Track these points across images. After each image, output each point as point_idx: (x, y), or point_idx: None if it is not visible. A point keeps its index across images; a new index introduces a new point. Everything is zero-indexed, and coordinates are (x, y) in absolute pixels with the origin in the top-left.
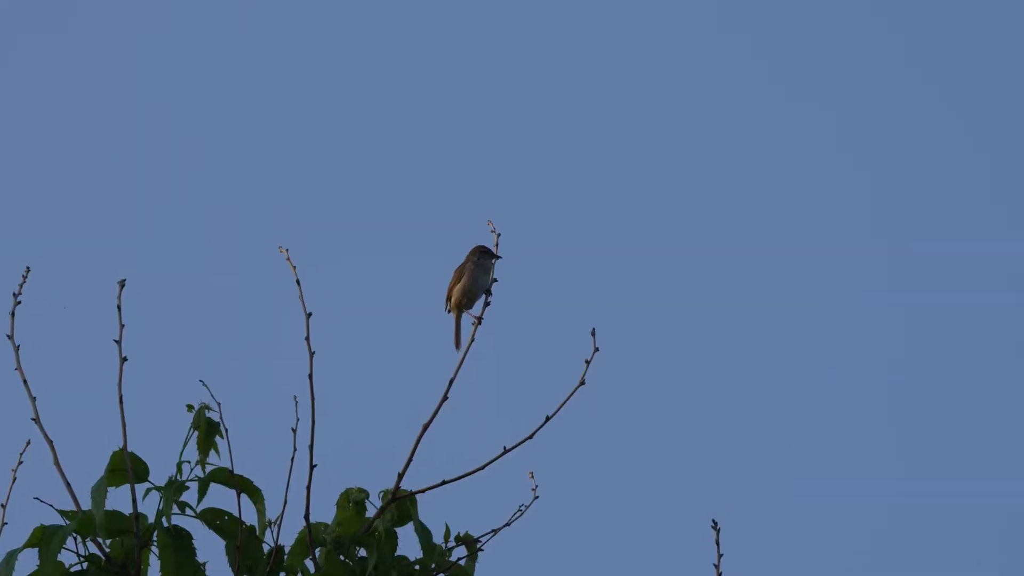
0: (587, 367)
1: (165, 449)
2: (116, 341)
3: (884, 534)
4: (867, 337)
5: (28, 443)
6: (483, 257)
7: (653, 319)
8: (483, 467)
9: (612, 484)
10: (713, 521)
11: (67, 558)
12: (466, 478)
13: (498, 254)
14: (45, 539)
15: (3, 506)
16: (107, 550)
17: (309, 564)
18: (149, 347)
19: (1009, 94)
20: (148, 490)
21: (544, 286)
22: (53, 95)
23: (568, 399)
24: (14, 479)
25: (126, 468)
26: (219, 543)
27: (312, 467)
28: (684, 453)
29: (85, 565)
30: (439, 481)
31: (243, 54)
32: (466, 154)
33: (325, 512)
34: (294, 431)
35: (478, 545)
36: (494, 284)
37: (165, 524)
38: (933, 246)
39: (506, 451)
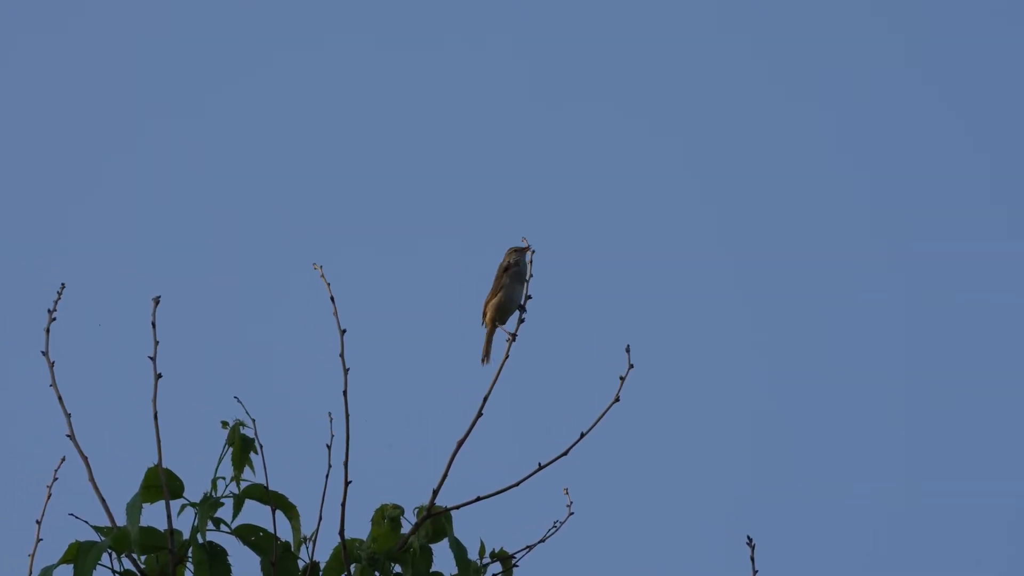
0: (622, 384)
1: (200, 465)
2: (151, 358)
3: (886, 532)
4: (868, 336)
5: (63, 459)
6: (516, 264)
7: (655, 320)
8: (518, 483)
9: (647, 499)
10: (748, 538)
11: (102, 574)
12: (501, 494)
13: (531, 272)
14: (80, 555)
15: (38, 522)
16: (142, 566)
17: None
18: (184, 364)
19: (1009, 94)
20: (183, 506)
21: (570, 297)
22: (53, 95)
23: (603, 415)
24: (49, 495)
25: (161, 484)
26: (254, 559)
27: (347, 483)
28: (719, 471)
29: None
30: (474, 497)
31: (243, 54)
32: (467, 154)
33: (360, 528)
34: (329, 447)
35: (513, 561)
36: (528, 300)
37: (200, 540)
38: (933, 246)
39: (541, 467)
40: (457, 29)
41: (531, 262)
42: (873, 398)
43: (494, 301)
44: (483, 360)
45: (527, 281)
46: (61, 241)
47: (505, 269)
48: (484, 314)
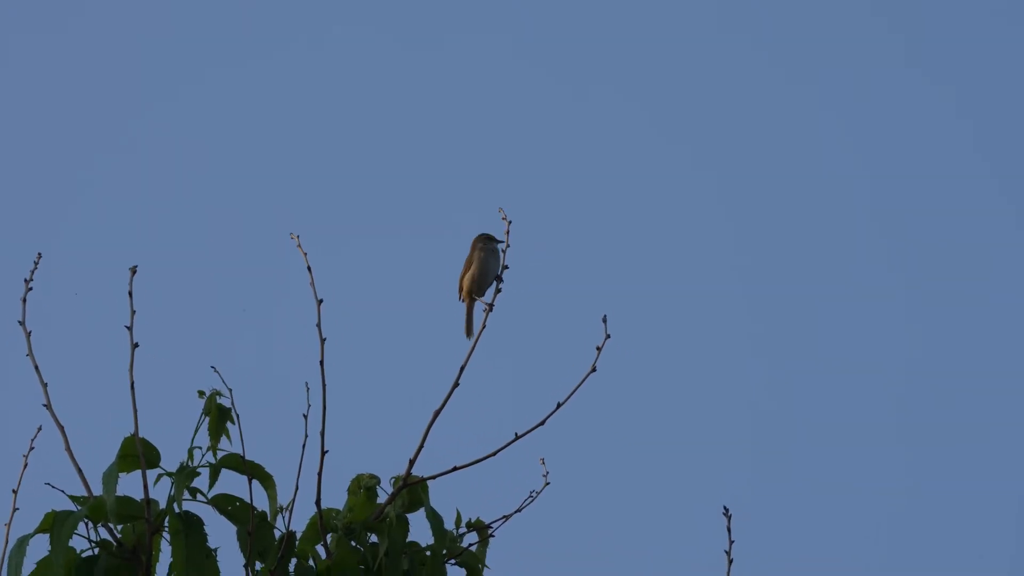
0: (599, 354)
1: (176, 435)
2: (127, 327)
3: (887, 527)
4: (868, 332)
5: (39, 429)
6: (489, 243)
7: (658, 310)
8: (494, 453)
9: (623, 470)
10: (724, 507)
11: (78, 543)
12: (477, 464)
13: (508, 242)
14: (56, 524)
15: (15, 492)
16: (118, 536)
17: (320, 550)
18: (160, 334)
19: (1010, 93)
20: (159, 476)
21: (554, 275)
22: (53, 89)
23: (579, 386)
24: (25, 465)
25: (137, 454)
26: (230, 529)
27: (323, 453)
28: (693, 440)
29: (96, 551)
30: (450, 467)
31: (242, 50)
32: (470, 149)
33: (336, 498)
34: (305, 417)
35: (489, 531)
36: (505, 271)
37: (176, 510)
38: (934, 245)
39: (517, 437)
40: (459, 25)
41: (508, 231)
42: (872, 395)
43: (469, 275)
44: (467, 334)
45: (504, 251)
46: (55, 237)
47: (479, 246)
48: (460, 288)
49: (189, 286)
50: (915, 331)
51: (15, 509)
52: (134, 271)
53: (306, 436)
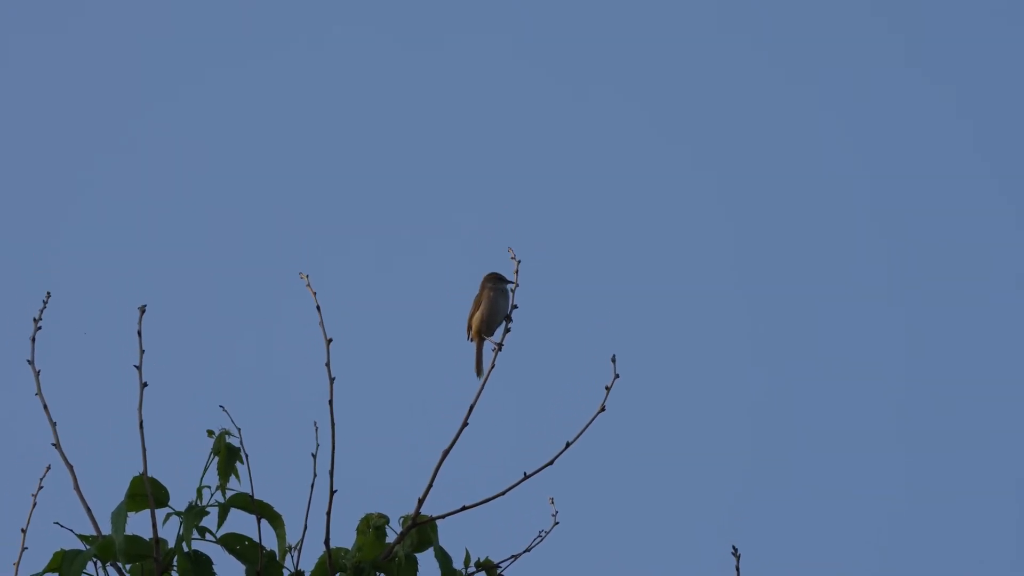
0: (607, 393)
1: (185, 474)
2: (136, 367)
3: (886, 531)
4: (868, 334)
5: (48, 468)
6: (498, 283)
7: (660, 314)
8: (503, 493)
9: (631, 510)
10: (733, 548)
11: None
12: (486, 504)
13: (517, 282)
14: (65, 563)
15: (23, 531)
16: (127, 575)
17: None
18: (170, 373)
19: (1010, 93)
20: (168, 515)
21: (560, 308)
22: (52, 91)
23: (588, 425)
24: (34, 504)
25: (146, 493)
26: (239, 568)
27: (332, 492)
28: (703, 481)
29: None
30: (459, 507)
31: (244, 49)
32: (470, 149)
33: (345, 538)
34: (314, 456)
35: (498, 571)
36: (514, 311)
37: (185, 549)
38: (933, 245)
39: (526, 477)
40: (458, 25)
41: (517, 271)
42: (871, 396)
43: (478, 314)
44: (477, 373)
45: (513, 291)
46: (55, 240)
47: (488, 286)
48: (469, 328)
49: (199, 323)
50: (914, 331)
51: (24, 548)
52: (143, 311)
53: (315, 475)
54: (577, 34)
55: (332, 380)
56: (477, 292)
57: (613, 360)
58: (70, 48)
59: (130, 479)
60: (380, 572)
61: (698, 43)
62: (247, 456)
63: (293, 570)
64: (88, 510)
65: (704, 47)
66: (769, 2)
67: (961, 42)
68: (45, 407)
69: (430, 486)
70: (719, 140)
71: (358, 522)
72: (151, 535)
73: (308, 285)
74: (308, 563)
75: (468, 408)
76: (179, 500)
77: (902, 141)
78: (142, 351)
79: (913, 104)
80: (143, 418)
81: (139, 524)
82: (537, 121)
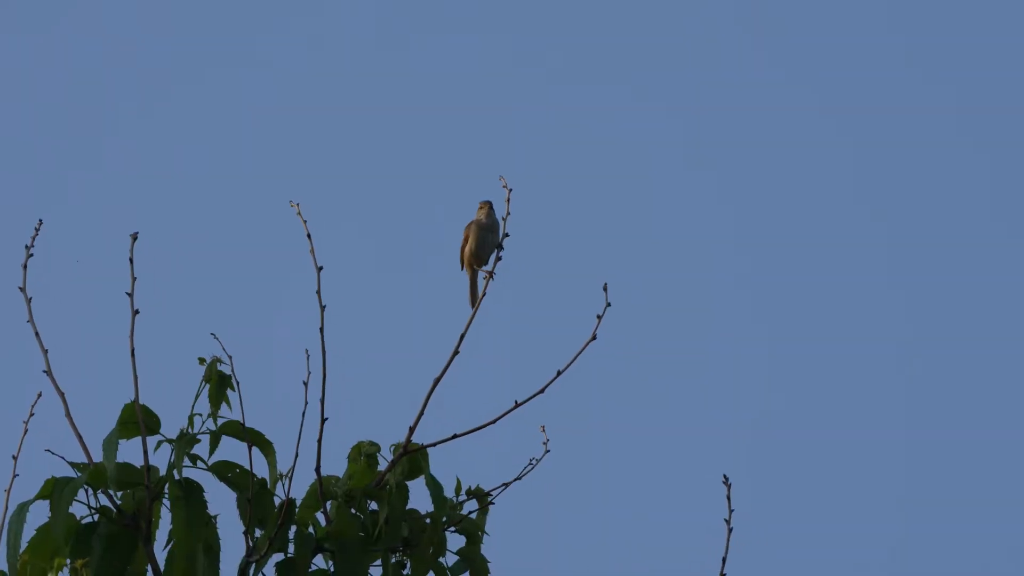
0: (599, 322)
1: (177, 402)
2: (128, 294)
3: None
4: (867, 335)
5: (40, 395)
6: (488, 215)
7: (657, 287)
8: (494, 421)
9: (622, 438)
10: (724, 476)
11: (78, 510)
12: (477, 432)
13: (508, 210)
14: (56, 491)
15: (15, 457)
16: (118, 502)
17: (320, 517)
18: (161, 301)
19: (1010, 92)
20: (159, 443)
21: (556, 243)
22: (44, 89)
23: (579, 354)
24: (25, 431)
25: (138, 420)
26: (230, 496)
27: (323, 420)
28: (693, 410)
29: (96, 517)
30: (450, 435)
31: (242, 50)
32: (469, 150)
33: (336, 465)
34: (306, 384)
35: (489, 499)
36: (506, 239)
37: (176, 476)
38: (934, 243)
39: (517, 405)
40: (457, 21)
41: (509, 199)
42: (870, 397)
43: (467, 248)
44: (471, 304)
45: (504, 219)
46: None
47: (475, 220)
48: (462, 260)
49: (191, 253)
50: (912, 331)
51: (15, 475)
52: (135, 237)
53: (306, 403)
54: (578, 31)
55: (323, 308)
56: (467, 223)
57: (604, 288)
58: (68, 49)
59: (122, 406)
60: (371, 500)
61: (698, 42)
62: (238, 384)
63: (284, 498)
64: (79, 437)
65: (704, 46)
66: (769, 2)
67: (962, 42)
68: (36, 334)
69: (421, 414)
70: (719, 138)
71: (349, 450)
72: (142, 462)
73: (299, 214)
74: (299, 491)
75: (459, 337)
76: (170, 428)
77: (902, 140)
78: (133, 278)
79: (913, 103)
80: (134, 345)
81: (130, 451)
82: (535, 119)
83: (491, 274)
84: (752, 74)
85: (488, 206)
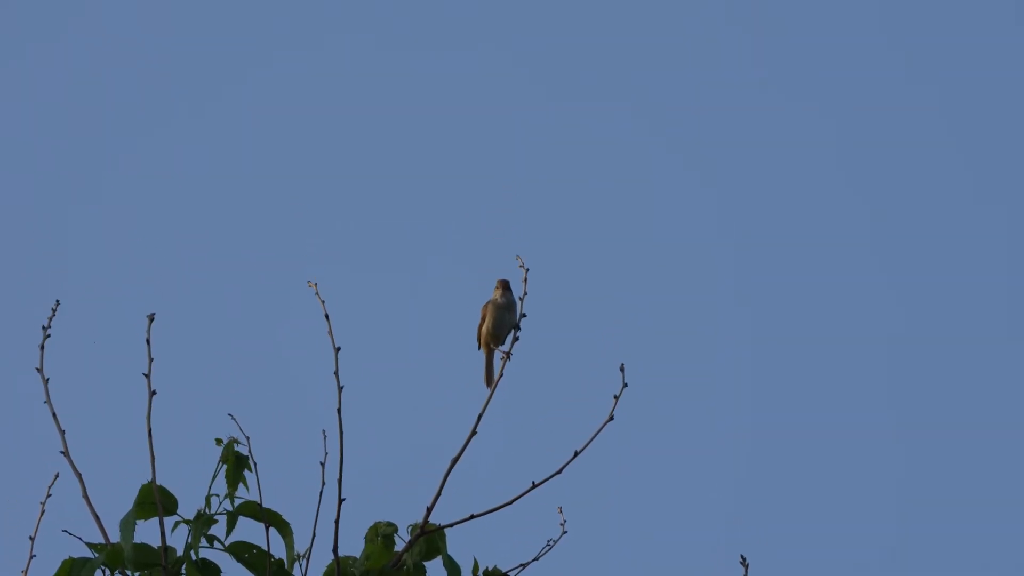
0: (616, 402)
1: (194, 483)
2: (145, 375)
3: (885, 525)
4: (864, 335)
5: (57, 476)
6: (505, 295)
7: (652, 337)
8: (512, 502)
9: (640, 519)
10: (742, 557)
11: None
12: (495, 512)
13: (525, 291)
14: (74, 572)
15: (32, 539)
16: None
17: None
18: (179, 381)
19: (1009, 93)
20: (177, 523)
21: (569, 317)
22: (52, 99)
23: (597, 434)
24: (43, 512)
25: (155, 501)
26: None
27: (340, 501)
28: (712, 490)
29: None
30: (468, 515)
31: (243, 56)
32: (467, 156)
33: (354, 546)
34: (323, 465)
35: None
36: (523, 319)
37: (194, 557)
38: (932, 243)
39: (535, 486)
40: (459, 29)
41: (526, 279)
42: (868, 401)
43: (484, 327)
44: (487, 383)
45: (522, 299)
46: (63, 246)
47: (492, 301)
48: (479, 339)
49: (207, 332)
50: (910, 330)
51: (32, 556)
52: (151, 319)
53: (323, 484)
54: (575, 38)
55: (341, 388)
56: (485, 301)
57: (622, 369)
58: (68, 59)
59: (139, 487)
60: None
61: (696, 43)
62: (255, 464)
63: None
64: (96, 518)
65: (702, 47)
66: (769, 2)
67: (961, 42)
68: (54, 415)
69: (439, 494)
70: (718, 139)
71: (366, 530)
72: (159, 543)
73: (317, 294)
74: (317, 571)
75: (477, 417)
76: (188, 508)
77: (901, 140)
78: (151, 359)
79: (913, 104)
80: (152, 426)
81: (148, 532)
82: (535, 125)
83: (508, 354)
84: (746, 75)
85: (504, 285)
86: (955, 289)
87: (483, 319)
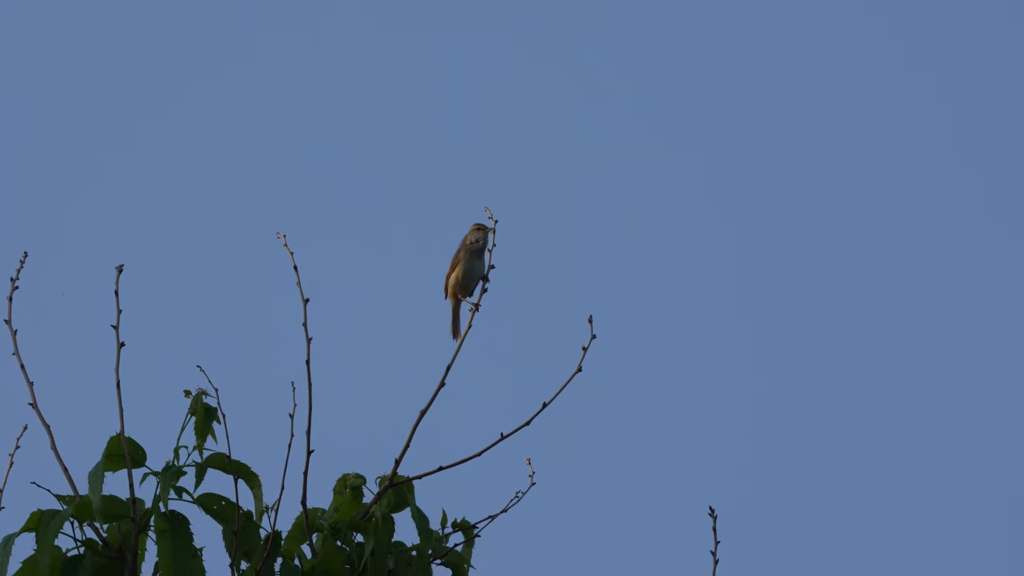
0: (584, 354)
1: (162, 434)
2: (114, 327)
3: (883, 527)
4: (867, 336)
5: (25, 428)
6: (476, 241)
7: (649, 310)
8: (480, 453)
9: (608, 470)
10: (710, 508)
11: (64, 543)
12: (463, 464)
13: (494, 241)
14: (42, 524)
15: (0, 491)
16: (104, 535)
17: (306, 549)
18: (147, 333)
19: (1008, 93)
20: (145, 475)
21: (541, 274)
22: (42, 94)
23: (565, 386)
24: (11, 464)
25: (123, 453)
26: (216, 528)
27: (309, 453)
28: (678, 438)
29: (82, 550)
30: (436, 467)
31: (238, 46)
32: (462, 145)
33: (322, 498)
34: (291, 417)
35: (475, 531)
36: (492, 271)
37: (162, 509)
38: (932, 244)
39: (503, 437)
40: (456, 19)
41: (494, 231)
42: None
43: (454, 275)
44: (453, 335)
45: (490, 251)
46: (57, 234)
47: (465, 245)
48: (446, 289)
49: (176, 284)
50: (915, 331)
51: (1, 508)
52: (120, 270)
53: (292, 435)
54: (575, 30)
55: (309, 340)
56: (456, 250)
57: (590, 320)
58: (65, 54)
59: (107, 439)
60: (357, 532)
61: (696, 45)
62: (224, 416)
63: (270, 530)
64: (65, 470)
65: (701, 48)
66: (768, 1)
67: (961, 42)
68: (22, 366)
69: (407, 446)
70: (715, 141)
71: (335, 482)
72: (128, 495)
73: (285, 245)
74: (285, 523)
75: (445, 368)
76: (156, 460)
77: (901, 141)
78: (119, 311)
79: (912, 103)
80: (120, 378)
81: (116, 484)
82: (533, 119)
83: (477, 306)
84: (746, 79)
85: (480, 228)
86: (955, 288)
87: (452, 267)
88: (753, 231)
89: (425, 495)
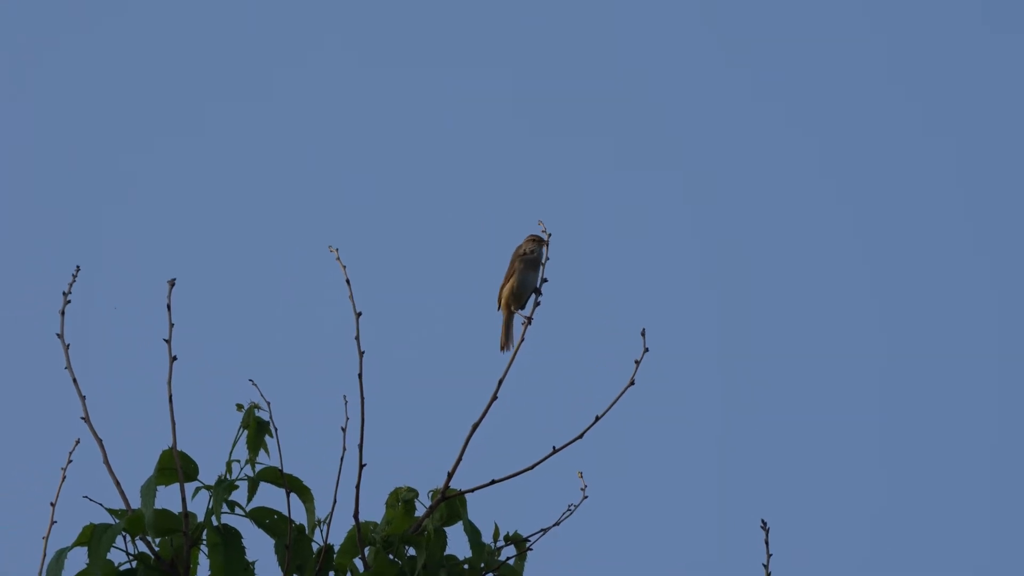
0: (637, 367)
1: (215, 448)
2: (166, 340)
3: (880, 530)
4: (853, 337)
5: (78, 442)
6: (531, 252)
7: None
8: (532, 467)
9: (660, 484)
10: (762, 521)
11: (116, 556)
12: (515, 477)
13: (547, 255)
14: (95, 537)
15: (53, 505)
16: (156, 549)
17: (359, 563)
18: (198, 347)
19: (991, 98)
20: (197, 489)
21: (594, 286)
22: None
23: (618, 399)
24: (64, 478)
25: (176, 467)
26: (268, 542)
27: (362, 466)
28: (725, 446)
29: (134, 564)
30: (488, 480)
31: (239, 69)
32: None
33: (374, 511)
34: (344, 430)
35: (527, 544)
36: (544, 284)
37: (215, 523)
38: (915, 243)
39: (555, 451)
40: (443, 45)
41: (547, 244)
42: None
43: (508, 287)
44: (503, 347)
45: (543, 264)
46: (87, 224)
47: (520, 256)
48: (499, 300)
49: (229, 298)
50: (903, 338)
51: (53, 522)
52: (172, 284)
53: (344, 449)
54: (564, 53)
55: (362, 354)
56: (509, 262)
57: (643, 334)
58: (56, 69)
59: (159, 453)
60: (409, 546)
61: (694, 45)
62: (276, 430)
63: (322, 544)
64: (117, 484)
65: (699, 49)
66: (761, 3)
67: (954, 44)
68: (74, 380)
69: (459, 460)
70: (712, 143)
71: (387, 496)
72: (180, 509)
73: (338, 259)
74: (337, 537)
75: (497, 382)
76: (208, 474)
77: (893, 146)
78: (171, 324)
79: (905, 108)
80: (172, 392)
81: (168, 498)
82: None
83: (529, 319)
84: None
85: (535, 239)
86: (941, 291)
87: (508, 277)
88: (742, 232)
89: (477, 508)
